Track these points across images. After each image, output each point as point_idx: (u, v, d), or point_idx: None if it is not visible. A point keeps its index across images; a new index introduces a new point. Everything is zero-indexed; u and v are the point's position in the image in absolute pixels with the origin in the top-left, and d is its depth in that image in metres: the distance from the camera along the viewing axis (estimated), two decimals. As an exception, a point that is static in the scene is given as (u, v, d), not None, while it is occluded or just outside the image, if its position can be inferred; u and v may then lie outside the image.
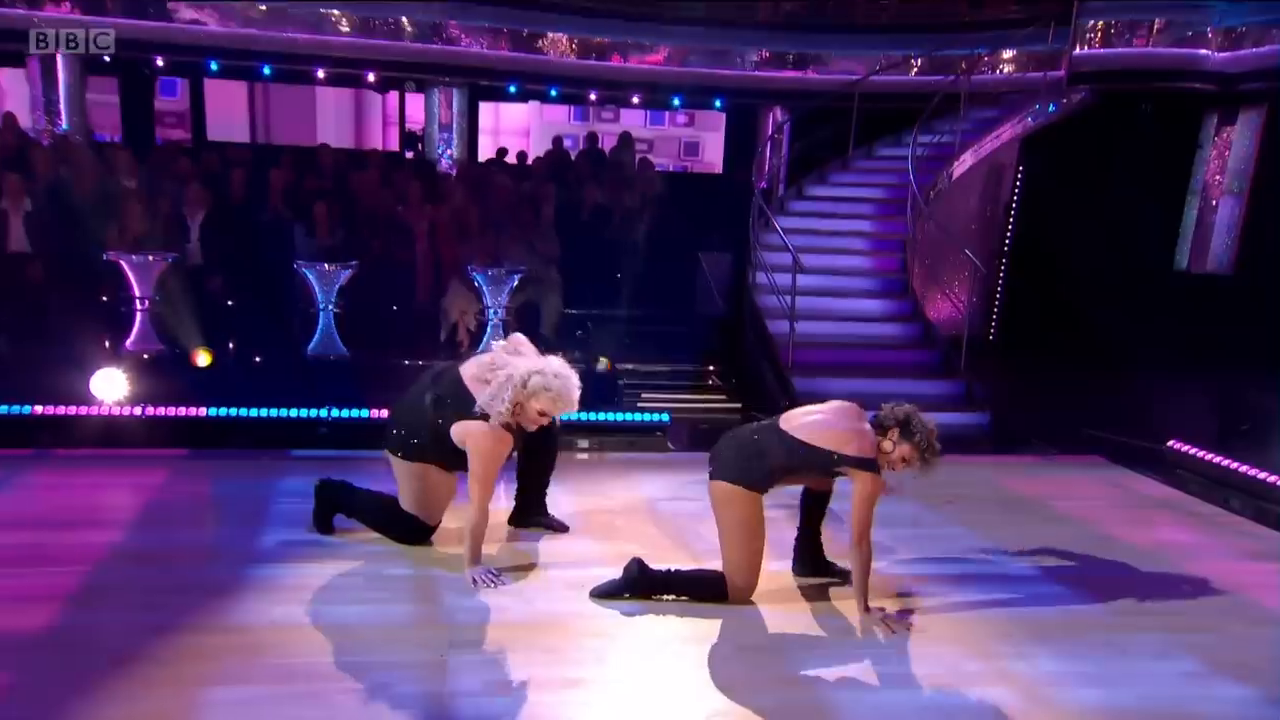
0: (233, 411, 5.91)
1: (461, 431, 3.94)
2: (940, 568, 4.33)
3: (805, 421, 3.75)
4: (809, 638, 3.60)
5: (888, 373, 7.74)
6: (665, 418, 5.90)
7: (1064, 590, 4.12)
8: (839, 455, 3.64)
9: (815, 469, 3.74)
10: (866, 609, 3.72)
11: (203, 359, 6.26)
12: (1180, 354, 8.50)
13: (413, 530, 4.22)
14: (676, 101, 11.61)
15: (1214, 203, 11.27)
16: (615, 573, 3.86)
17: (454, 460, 4.07)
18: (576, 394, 3.95)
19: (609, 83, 11.15)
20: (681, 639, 3.53)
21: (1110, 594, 4.09)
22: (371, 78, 11.08)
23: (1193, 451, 5.89)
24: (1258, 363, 7.13)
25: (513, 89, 11.16)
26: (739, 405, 7.27)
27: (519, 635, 3.50)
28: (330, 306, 7.35)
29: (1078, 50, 10.27)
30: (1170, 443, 6.06)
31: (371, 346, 7.47)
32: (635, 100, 11.47)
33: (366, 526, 4.32)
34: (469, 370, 4.06)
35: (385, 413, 5.73)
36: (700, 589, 3.82)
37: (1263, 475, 5.41)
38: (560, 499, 4.77)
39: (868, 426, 3.72)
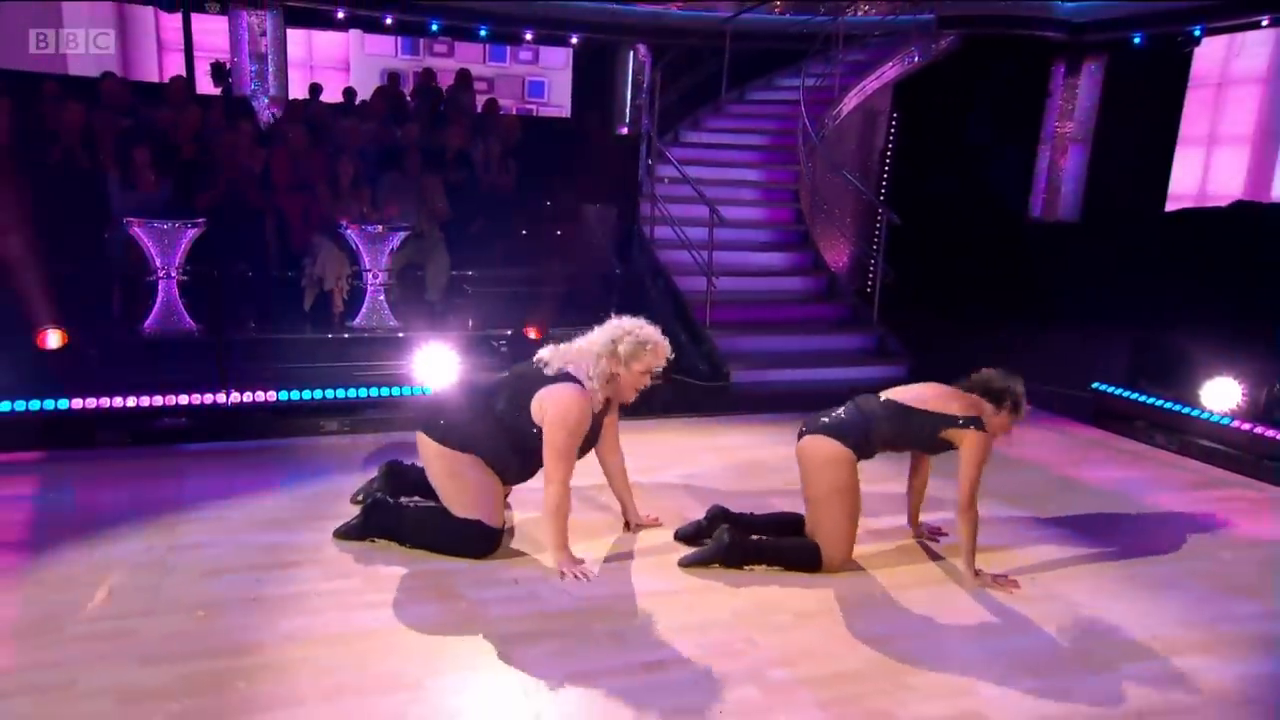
0: (99, 402, 5.38)
1: (544, 396, 3.88)
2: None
3: (908, 393, 4.08)
4: (929, 600, 3.86)
5: (799, 328, 8.22)
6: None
7: (1071, 534, 4.62)
8: (946, 415, 3.94)
9: (920, 438, 4.03)
10: (976, 573, 4.01)
11: (53, 340, 5.62)
12: (1042, 303, 9.62)
13: (477, 537, 3.99)
14: (529, 35, 11.48)
15: (1055, 156, 12.69)
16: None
17: (509, 453, 4.00)
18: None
19: (452, 11, 10.86)
20: (780, 617, 3.65)
21: (1119, 538, 4.61)
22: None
23: (1113, 391, 6.71)
24: (1130, 313, 8.23)
25: (340, 14, 10.59)
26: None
27: (570, 623, 3.54)
28: (173, 273, 6.83)
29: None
30: (1091, 385, 6.87)
31: (222, 320, 7.00)
32: (482, 33, 11.20)
33: (419, 548, 4.04)
34: (544, 356, 4.07)
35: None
36: (795, 558, 4.03)
37: (1179, 410, 6.29)
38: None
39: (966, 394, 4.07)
